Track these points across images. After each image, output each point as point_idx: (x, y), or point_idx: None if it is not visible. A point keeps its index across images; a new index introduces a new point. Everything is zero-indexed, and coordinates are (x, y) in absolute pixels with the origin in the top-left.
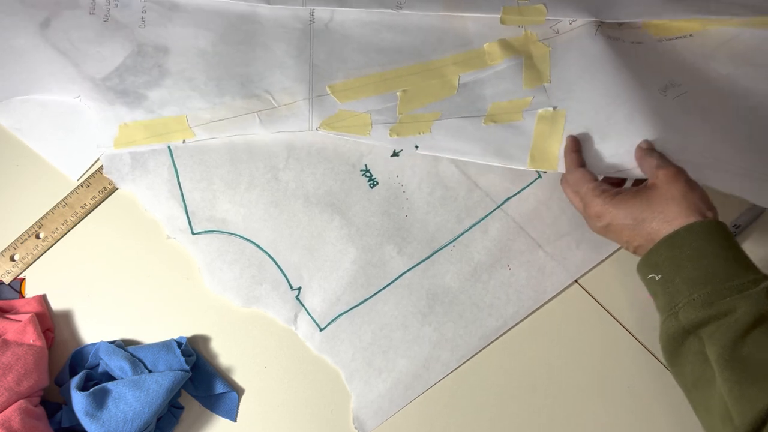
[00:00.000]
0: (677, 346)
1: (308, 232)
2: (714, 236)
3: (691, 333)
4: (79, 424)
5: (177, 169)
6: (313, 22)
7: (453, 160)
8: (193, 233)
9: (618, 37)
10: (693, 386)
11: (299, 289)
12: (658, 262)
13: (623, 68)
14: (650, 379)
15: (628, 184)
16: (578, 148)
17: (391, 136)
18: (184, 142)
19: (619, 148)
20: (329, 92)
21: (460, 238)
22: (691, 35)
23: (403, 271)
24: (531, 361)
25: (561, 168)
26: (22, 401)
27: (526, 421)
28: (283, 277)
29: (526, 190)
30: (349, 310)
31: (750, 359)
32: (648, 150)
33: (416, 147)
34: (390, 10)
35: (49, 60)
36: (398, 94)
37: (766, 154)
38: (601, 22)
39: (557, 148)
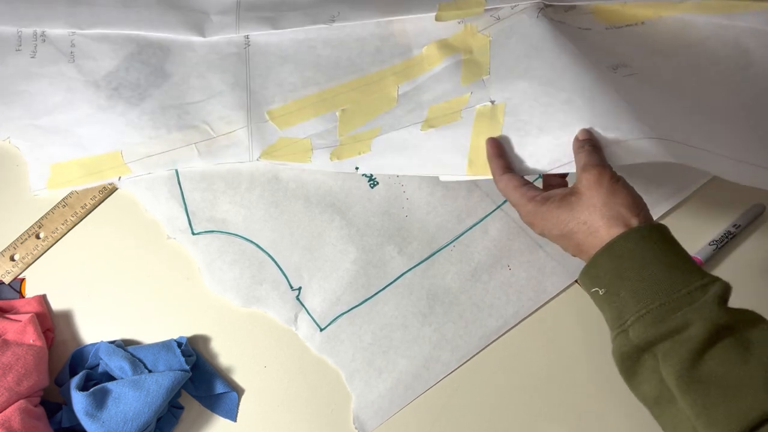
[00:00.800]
0: (632, 364)
1: (308, 233)
2: (652, 242)
3: (645, 351)
4: (79, 424)
5: (177, 169)
6: (248, 45)
7: None
8: (193, 233)
9: (563, 20)
10: (655, 404)
11: (299, 289)
12: (599, 274)
13: (565, 52)
14: None
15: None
16: (501, 152)
17: (332, 160)
18: (119, 179)
19: (559, 138)
20: (268, 119)
21: (460, 239)
22: (643, 23)
23: (403, 272)
24: (531, 361)
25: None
26: (22, 401)
27: (526, 421)
28: (284, 277)
29: None
30: (349, 311)
31: (711, 380)
32: (581, 143)
33: (356, 168)
34: (323, 25)
35: None
36: (337, 113)
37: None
38: (545, 4)
39: None
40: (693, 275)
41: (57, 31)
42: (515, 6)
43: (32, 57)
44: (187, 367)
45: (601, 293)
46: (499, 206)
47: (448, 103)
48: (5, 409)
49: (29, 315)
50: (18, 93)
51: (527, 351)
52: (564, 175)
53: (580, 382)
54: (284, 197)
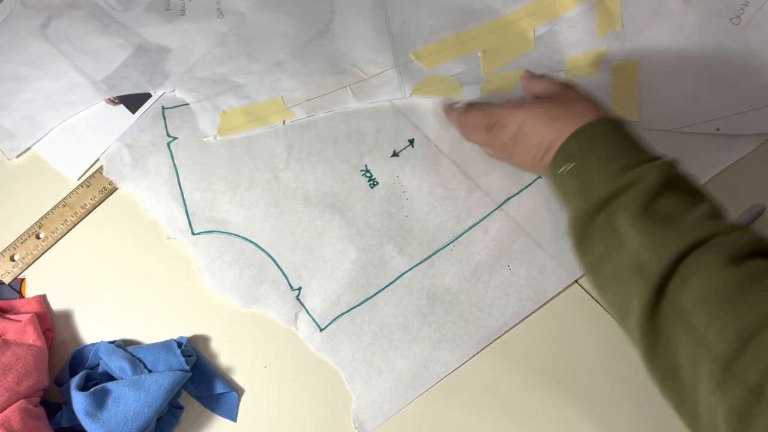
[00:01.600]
0: (587, 225)
1: (308, 233)
2: (626, 129)
3: (601, 210)
4: (79, 424)
5: (177, 169)
6: None
7: (453, 159)
8: (193, 233)
9: None
10: (601, 259)
11: (299, 289)
12: (572, 152)
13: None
14: (650, 379)
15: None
16: (450, 107)
17: (482, 93)
18: (284, 123)
19: (694, 94)
20: (413, 59)
21: (460, 239)
22: None
23: (403, 272)
24: (531, 361)
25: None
26: (22, 401)
27: (526, 421)
28: (284, 277)
29: (526, 190)
30: (349, 311)
31: (660, 215)
32: (529, 76)
33: (508, 101)
34: None
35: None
36: (479, 55)
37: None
38: None
39: (635, 99)
40: (651, 152)
41: None
42: None
43: (182, 15)
44: (187, 367)
45: (569, 168)
46: (499, 206)
47: (585, 55)
48: (5, 409)
49: (29, 315)
50: (174, 48)
51: (527, 351)
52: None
53: (580, 382)
54: (284, 197)
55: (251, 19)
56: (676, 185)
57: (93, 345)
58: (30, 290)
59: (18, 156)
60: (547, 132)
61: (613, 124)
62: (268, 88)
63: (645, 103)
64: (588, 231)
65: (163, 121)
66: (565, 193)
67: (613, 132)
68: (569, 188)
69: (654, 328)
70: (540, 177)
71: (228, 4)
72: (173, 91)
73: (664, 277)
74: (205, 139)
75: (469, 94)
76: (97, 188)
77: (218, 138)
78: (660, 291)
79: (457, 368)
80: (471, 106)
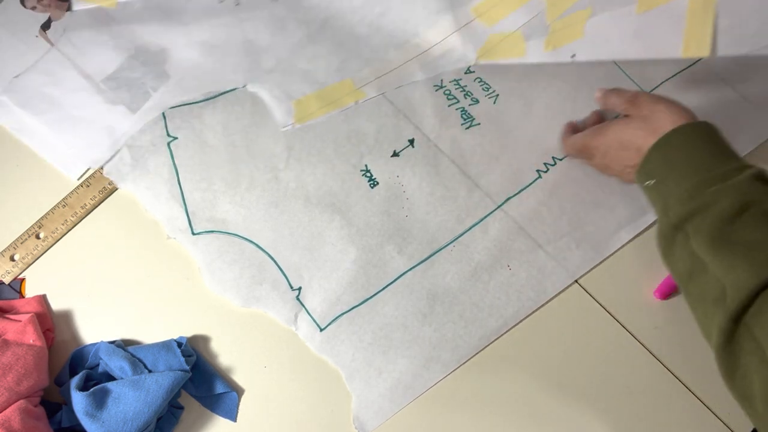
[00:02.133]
0: (669, 244)
1: (308, 233)
2: (703, 134)
3: (679, 229)
4: (79, 424)
5: (177, 169)
6: None
7: (453, 159)
8: (193, 233)
9: None
10: (688, 279)
11: (299, 289)
12: (652, 168)
13: None
14: (650, 379)
15: None
16: (570, 129)
17: (546, 50)
18: (356, 103)
19: None
20: (474, 16)
21: (460, 239)
22: None
23: (403, 271)
24: (531, 361)
25: (713, 52)
26: (22, 401)
27: (526, 421)
28: (284, 277)
29: (526, 190)
30: (349, 311)
31: (738, 241)
32: (606, 93)
33: (573, 56)
34: None
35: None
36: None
37: None
38: None
39: (709, 29)
40: (731, 160)
41: None
42: None
43: (237, 5)
44: (187, 367)
45: (651, 184)
46: (499, 206)
47: None
48: (5, 409)
49: (29, 315)
50: (241, 43)
51: (527, 351)
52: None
53: (580, 382)
54: (284, 197)
55: (311, 4)
56: (753, 205)
57: (93, 345)
58: (30, 290)
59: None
60: (628, 155)
61: (691, 129)
62: (336, 70)
63: (720, 28)
64: (671, 249)
65: (163, 121)
66: (654, 207)
67: (691, 141)
68: (655, 203)
69: (731, 357)
70: (540, 177)
71: None
72: (243, 86)
73: (741, 309)
74: (283, 129)
75: (533, 52)
76: (97, 188)
77: (297, 126)
78: (737, 320)
79: (457, 368)
80: (567, 133)
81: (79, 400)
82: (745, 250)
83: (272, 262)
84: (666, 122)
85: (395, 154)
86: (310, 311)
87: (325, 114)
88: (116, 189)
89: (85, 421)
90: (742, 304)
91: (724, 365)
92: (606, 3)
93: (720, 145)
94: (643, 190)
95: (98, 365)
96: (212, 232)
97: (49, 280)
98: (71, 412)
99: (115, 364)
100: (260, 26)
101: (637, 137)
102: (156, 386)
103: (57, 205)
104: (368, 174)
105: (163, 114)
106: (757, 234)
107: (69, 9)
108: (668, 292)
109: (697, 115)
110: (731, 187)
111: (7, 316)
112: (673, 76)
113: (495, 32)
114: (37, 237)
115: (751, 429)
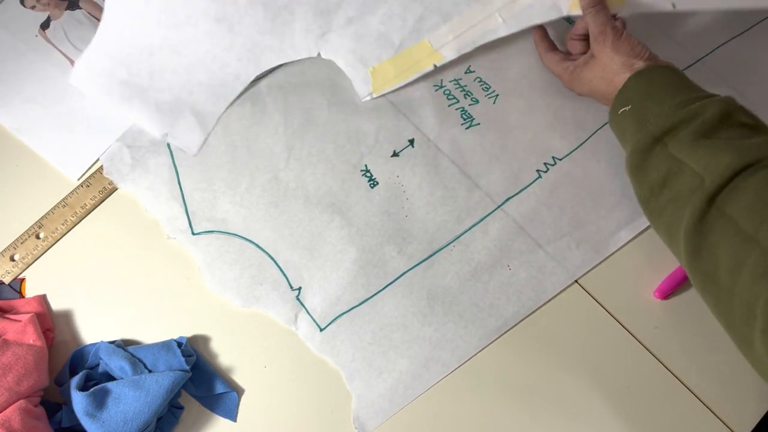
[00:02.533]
0: (644, 157)
1: (308, 233)
2: (674, 70)
3: (659, 141)
4: (79, 424)
5: (177, 169)
6: None
7: (453, 159)
8: (193, 233)
9: None
10: (662, 186)
11: (299, 289)
12: (629, 94)
13: None
14: (650, 379)
15: None
16: (544, 35)
17: None
18: (435, 67)
19: None
20: None
21: (460, 239)
22: None
23: (403, 271)
24: (531, 361)
25: None
26: (22, 401)
27: (526, 421)
28: (284, 277)
29: (526, 190)
30: (349, 310)
31: (720, 137)
32: (588, 3)
33: (673, 5)
34: None
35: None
36: None
37: None
38: None
39: None
40: (704, 90)
41: None
42: None
43: None
44: (187, 367)
45: (627, 109)
46: (499, 206)
47: None
48: (5, 409)
49: (29, 315)
50: (320, 8)
51: (527, 351)
52: (586, 45)
53: (580, 382)
54: (284, 197)
55: None
56: (736, 117)
57: (93, 345)
58: (30, 290)
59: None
60: (598, 96)
61: (668, 67)
62: (412, 30)
63: None
64: (645, 162)
65: None
66: (623, 134)
67: (668, 75)
68: (626, 130)
69: (699, 234)
70: (540, 177)
71: None
72: (318, 54)
73: (717, 189)
74: (364, 99)
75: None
76: (97, 188)
77: (374, 96)
78: (711, 200)
79: (457, 368)
80: (555, 55)
81: (79, 400)
82: (726, 142)
83: (272, 262)
84: (615, 73)
85: (395, 154)
86: (310, 311)
87: (402, 81)
88: (116, 189)
89: (85, 421)
90: (720, 186)
91: (691, 245)
92: None
93: (689, 80)
94: (613, 122)
95: (98, 365)
96: (212, 232)
97: (49, 280)
98: (71, 412)
99: (115, 364)
100: None
101: (601, 84)
102: (156, 386)
103: (57, 205)
104: (368, 174)
105: None
106: (737, 133)
107: (68, 8)
108: (668, 292)
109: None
110: (716, 101)
111: (7, 316)
112: None
113: None
114: (37, 237)
115: (751, 429)
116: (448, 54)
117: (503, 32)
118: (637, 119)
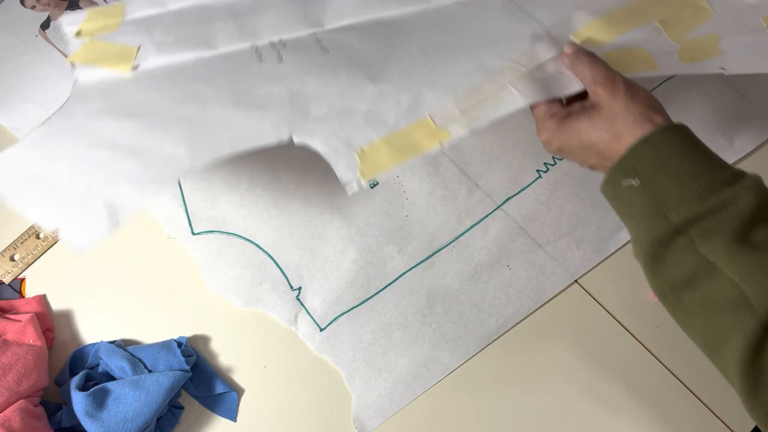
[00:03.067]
0: (662, 249)
1: (308, 233)
2: (686, 135)
3: (681, 232)
4: (79, 424)
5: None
6: None
7: (453, 159)
8: (193, 233)
9: None
10: (686, 286)
11: (299, 289)
12: (636, 165)
13: None
14: (650, 379)
15: None
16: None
17: (684, 62)
18: (441, 145)
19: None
20: (576, 41)
21: (460, 238)
22: None
23: (403, 271)
24: (531, 362)
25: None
26: (22, 401)
27: (526, 421)
28: (283, 277)
29: (526, 190)
30: (349, 310)
31: (763, 246)
32: (574, 55)
33: (722, 69)
34: None
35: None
36: (656, 24)
37: None
38: None
39: None
40: (726, 164)
41: (295, 35)
42: None
43: (279, 62)
44: (187, 367)
45: (635, 184)
46: (499, 206)
47: None
48: (5, 409)
49: (29, 315)
50: (290, 92)
51: (527, 351)
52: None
53: (580, 383)
54: (284, 197)
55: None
56: None
57: (93, 345)
58: (30, 290)
59: None
60: (591, 155)
61: (680, 131)
62: (408, 109)
63: None
64: (662, 256)
65: None
66: (628, 209)
67: (682, 142)
68: (634, 205)
69: (758, 370)
70: (540, 177)
71: (329, 40)
72: (289, 137)
73: None
74: (350, 192)
75: (667, 64)
76: None
77: (363, 182)
78: (766, 329)
79: (457, 368)
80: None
81: (79, 400)
82: None
83: (272, 262)
84: (626, 130)
85: None
86: (310, 311)
87: (401, 162)
88: None
89: (85, 421)
90: None
91: (747, 379)
92: (730, 28)
93: (706, 148)
94: (610, 190)
95: (98, 365)
96: (212, 232)
97: (49, 280)
98: (71, 412)
99: (115, 364)
100: (308, 77)
101: (601, 141)
102: (156, 386)
103: None
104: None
105: None
106: None
107: (68, 8)
108: None
109: (698, 115)
110: (748, 188)
111: (7, 316)
112: (673, 76)
113: (609, 51)
114: (37, 237)
115: (751, 429)
116: (457, 131)
117: (520, 103)
118: (649, 198)
